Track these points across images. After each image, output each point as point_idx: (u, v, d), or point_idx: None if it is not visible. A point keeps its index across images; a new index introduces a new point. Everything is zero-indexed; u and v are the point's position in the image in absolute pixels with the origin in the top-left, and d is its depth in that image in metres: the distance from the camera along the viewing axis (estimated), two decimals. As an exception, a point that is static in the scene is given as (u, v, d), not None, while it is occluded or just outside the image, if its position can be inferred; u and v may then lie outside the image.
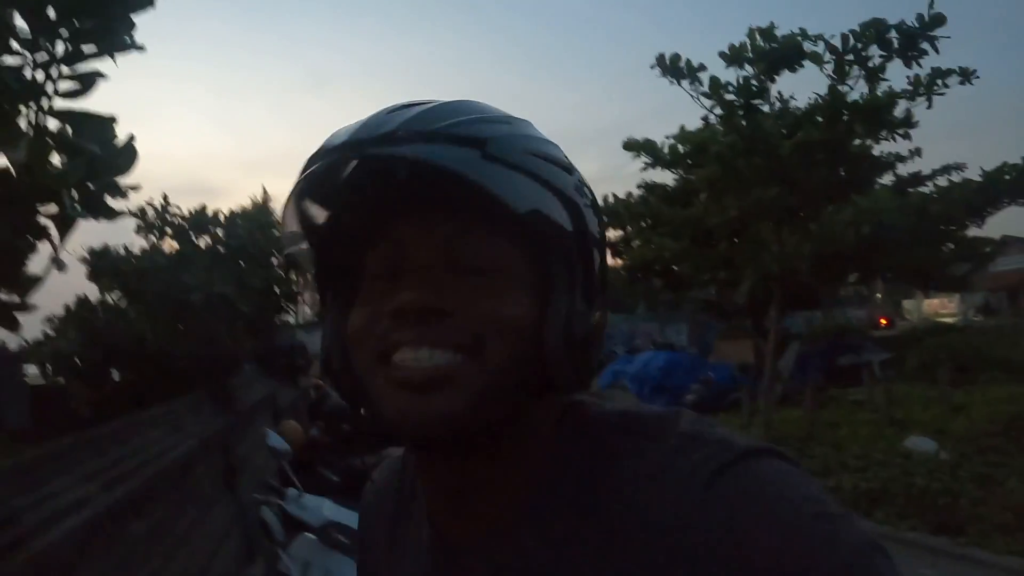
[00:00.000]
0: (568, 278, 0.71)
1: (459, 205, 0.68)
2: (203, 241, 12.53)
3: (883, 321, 38.43)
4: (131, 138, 3.09)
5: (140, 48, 2.94)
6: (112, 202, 3.12)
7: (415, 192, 0.68)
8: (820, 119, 9.51)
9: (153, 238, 11.65)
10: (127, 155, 3.07)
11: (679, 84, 9.44)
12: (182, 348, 7.98)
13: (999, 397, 10.56)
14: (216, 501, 5.35)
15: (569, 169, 0.73)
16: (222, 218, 13.22)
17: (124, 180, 3.12)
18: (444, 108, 0.68)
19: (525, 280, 0.71)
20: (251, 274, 14.35)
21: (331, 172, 0.68)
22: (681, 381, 16.00)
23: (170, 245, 11.57)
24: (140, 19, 2.90)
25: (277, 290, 15.69)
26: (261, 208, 19.71)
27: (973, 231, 11.14)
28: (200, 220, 12.49)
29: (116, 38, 2.89)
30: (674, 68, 9.32)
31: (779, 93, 9.93)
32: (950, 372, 12.81)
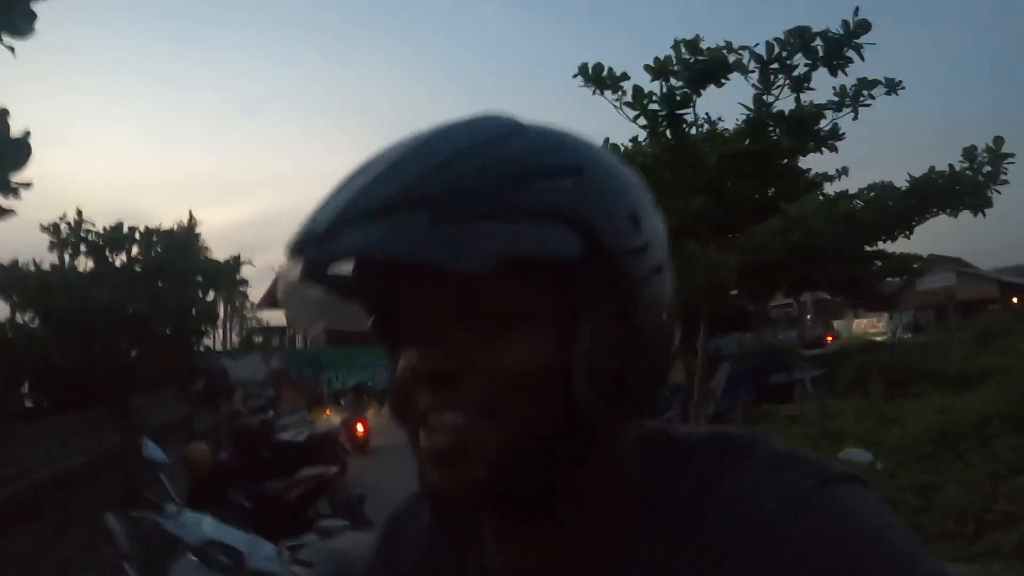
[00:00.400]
0: (591, 307, 0.65)
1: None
2: (119, 259, 12.14)
3: (829, 338, 39.27)
4: (26, 134, 2.86)
5: (32, 32, 2.75)
6: (2, 200, 2.93)
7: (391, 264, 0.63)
8: (745, 127, 9.44)
9: (66, 255, 11.23)
10: (20, 149, 2.83)
11: (602, 95, 9.28)
12: (87, 365, 7.65)
13: (930, 408, 10.55)
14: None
15: (573, 171, 0.65)
16: (139, 236, 12.79)
17: (16, 176, 2.91)
18: (389, 170, 0.62)
19: (544, 317, 0.66)
20: (168, 294, 14.02)
21: (303, 271, 0.67)
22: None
23: (84, 262, 11.15)
24: (72, 34, 2.67)
25: (195, 312, 15.39)
26: (185, 231, 19.38)
27: (901, 242, 11.17)
28: (116, 237, 12.03)
29: (10, 19, 2.67)
30: (597, 78, 9.15)
31: (707, 115, 9.86)
32: (881, 386, 12.94)
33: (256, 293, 52.80)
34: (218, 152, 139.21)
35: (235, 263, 17.74)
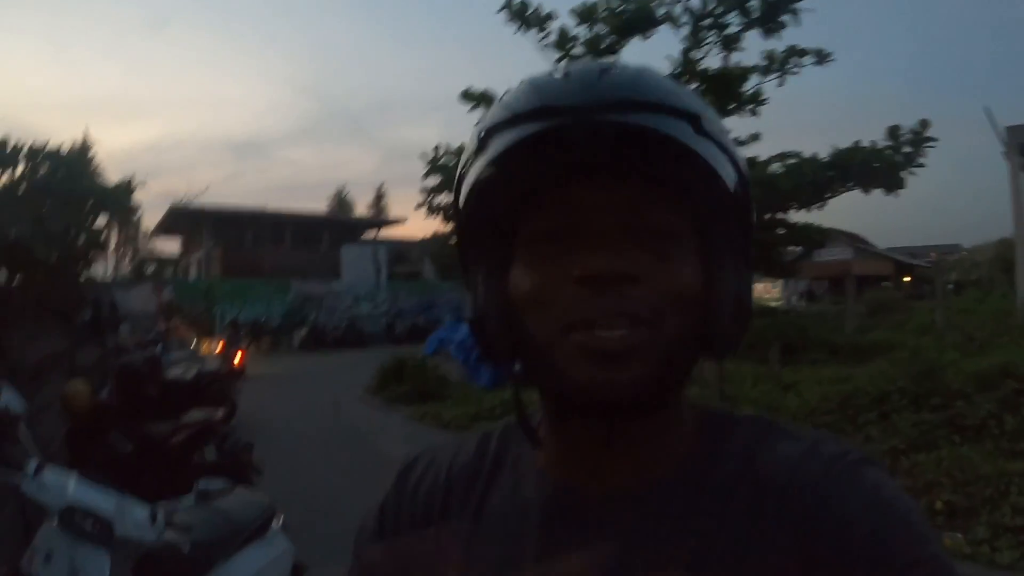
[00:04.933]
0: (732, 244, 0.76)
1: (637, 170, 0.71)
2: (1, 179, 11.33)
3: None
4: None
5: None
6: None
7: (614, 157, 0.70)
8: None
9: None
10: None
11: (525, 33, 8.96)
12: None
13: (827, 377, 10.72)
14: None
15: (735, 143, 0.77)
16: (24, 154, 12.01)
17: None
18: (653, 78, 0.73)
19: (693, 246, 0.74)
20: (53, 218, 13.23)
21: (550, 134, 0.68)
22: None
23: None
24: None
25: (82, 238, 14.60)
26: (78, 151, 18.33)
27: (815, 211, 11.29)
28: (-4, 153, 11.21)
29: None
30: (522, 15, 8.83)
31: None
32: (778, 352, 13.11)
33: (150, 220, 51.10)
34: (119, 71, 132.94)
35: (127, 187, 16.84)
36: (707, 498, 0.74)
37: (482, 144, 0.75)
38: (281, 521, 3.85)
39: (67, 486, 3.07)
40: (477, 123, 0.78)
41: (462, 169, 0.79)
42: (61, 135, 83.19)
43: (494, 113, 0.76)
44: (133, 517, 3.16)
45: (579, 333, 0.70)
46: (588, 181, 0.72)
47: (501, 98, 0.78)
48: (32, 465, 3.04)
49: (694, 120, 0.70)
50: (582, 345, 0.70)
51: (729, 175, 0.72)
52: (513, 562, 0.79)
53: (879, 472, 0.73)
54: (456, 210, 0.81)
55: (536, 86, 0.73)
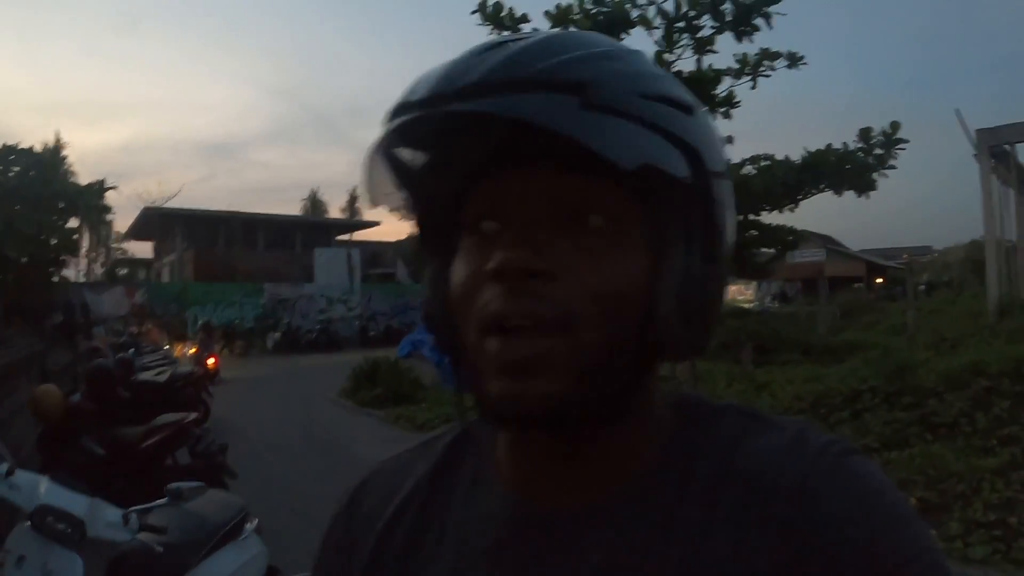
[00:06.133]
0: (686, 235, 0.68)
1: (564, 153, 0.63)
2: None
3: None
4: None
5: None
6: None
7: (510, 143, 0.66)
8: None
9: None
10: None
11: (499, 35, 8.96)
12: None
13: (800, 376, 10.79)
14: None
15: (689, 108, 0.67)
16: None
17: None
18: (538, 47, 0.63)
19: (637, 236, 0.67)
20: (25, 219, 13.09)
21: (414, 128, 0.64)
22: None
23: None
24: None
25: (54, 240, 14.45)
26: (50, 152, 18.13)
27: (787, 213, 11.32)
28: (-33, 154, 11.08)
29: None
30: (495, 17, 8.82)
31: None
32: (751, 352, 13.21)
33: (122, 223, 50.65)
34: (91, 72, 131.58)
35: (99, 188, 16.65)
36: (688, 504, 0.69)
37: (371, 152, 0.71)
38: (255, 523, 3.83)
39: (39, 487, 3.04)
40: None
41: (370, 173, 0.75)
42: (31, 136, 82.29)
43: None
44: (106, 518, 3.13)
45: (493, 339, 0.65)
46: (507, 167, 0.68)
47: None
48: (3, 467, 3.01)
49: (577, 90, 0.60)
50: (492, 356, 0.65)
51: (645, 151, 0.61)
52: None
53: (865, 463, 0.70)
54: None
55: (413, 80, 0.67)
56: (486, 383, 0.67)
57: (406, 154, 0.71)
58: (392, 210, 0.76)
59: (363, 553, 0.83)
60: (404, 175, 0.73)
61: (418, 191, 0.75)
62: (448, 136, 0.67)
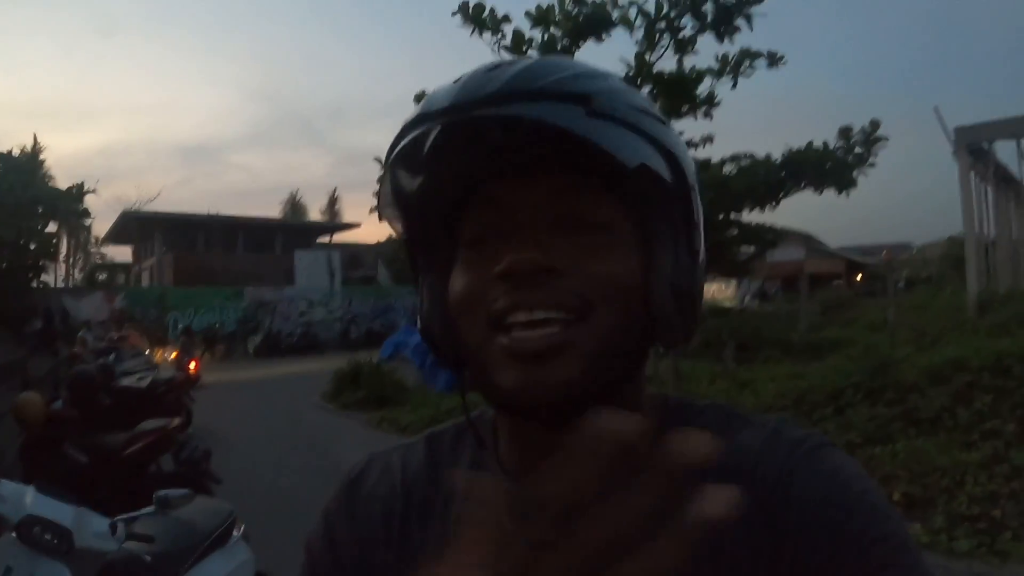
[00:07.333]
0: (672, 232, 0.74)
1: (562, 162, 0.70)
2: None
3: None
4: None
5: None
6: None
7: (518, 151, 0.70)
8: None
9: None
10: None
11: (480, 36, 8.94)
12: None
13: (781, 374, 10.85)
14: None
15: (664, 121, 0.75)
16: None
17: None
18: (543, 66, 0.69)
19: (628, 236, 0.73)
20: (3, 224, 12.95)
21: (439, 136, 0.68)
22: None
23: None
24: None
25: (33, 245, 14.31)
26: (28, 156, 17.95)
27: (768, 212, 11.39)
28: (-62, 159, 10.95)
29: None
30: (477, 18, 8.80)
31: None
32: (732, 351, 13.27)
33: (102, 227, 50.27)
34: (70, 75, 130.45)
35: (78, 192, 16.52)
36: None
37: (387, 164, 0.74)
38: (243, 530, 3.80)
39: (25, 498, 3.00)
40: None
41: (382, 186, 0.78)
42: (8, 140, 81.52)
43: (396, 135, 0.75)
44: (93, 528, 3.10)
45: (503, 335, 0.69)
46: (508, 177, 0.72)
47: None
48: (-13, 478, 2.98)
49: (583, 101, 0.67)
50: (506, 348, 0.69)
51: (641, 154, 0.67)
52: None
53: (839, 455, 0.74)
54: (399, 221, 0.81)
55: (426, 97, 0.72)
56: (499, 376, 0.70)
57: (410, 172, 0.74)
58: (393, 224, 0.80)
59: (363, 539, 0.86)
60: (404, 193, 0.76)
61: (416, 208, 0.78)
62: (462, 147, 0.69)
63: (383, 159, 0.75)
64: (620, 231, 0.72)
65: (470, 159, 0.71)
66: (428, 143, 0.68)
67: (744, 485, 0.65)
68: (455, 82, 0.70)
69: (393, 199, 0.77)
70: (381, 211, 0.80)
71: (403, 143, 0.70)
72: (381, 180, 0.77)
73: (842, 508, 0.68)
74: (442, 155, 0.70)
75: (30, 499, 3.00)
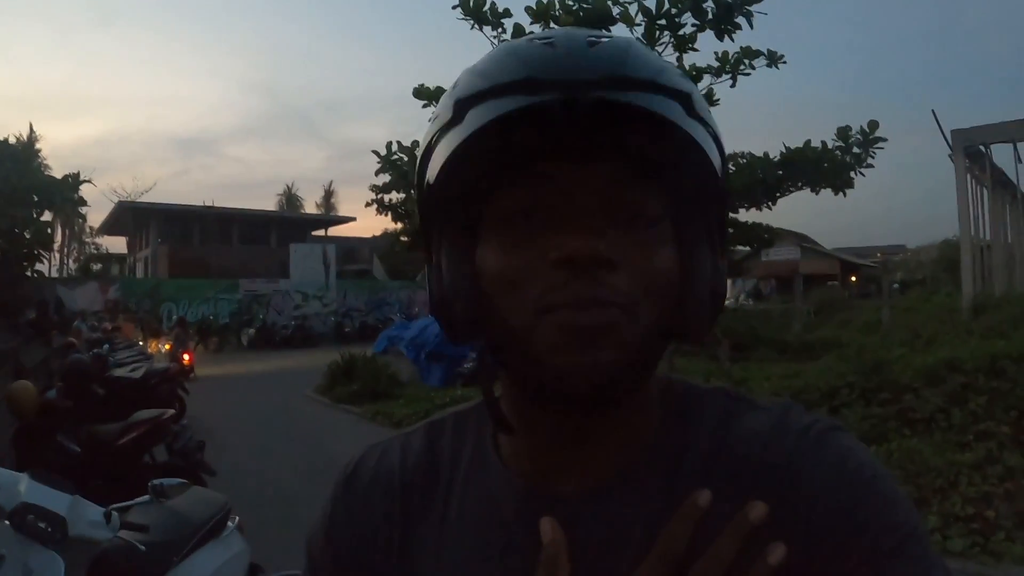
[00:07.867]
0: (708, 233, 0.74)
1: (619, 152, 0.68)
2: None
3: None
4: None
5: None
6: None
7: (599, 135, 0.67)
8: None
9: None
10: None
11: (480, 30, 8.90)
12: None
13: (776, 373, 10.86)
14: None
15: (712, 122, 0.74)
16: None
17: None
18: (646, 54, 0.70)
19: (670, 232, 0.72)
20: (0, 213, 12.91)
21: (553, 110, 0.64)
22: (458, 349, 15.69)
23: None
24: None
25: (28, 234, 14.26)
26: (23, 145, 17.88)
27: (764, 211, 11.40)
28: (-68, 147, 10.90)
29: None
30: (477, 12, 8.77)
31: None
32: (728, 349, 13.30)
33: (96, 217, 50.10)
34: (67, 65, 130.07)
35: (74, 181, 16.45)
36: (684, 479, 0.73)
37: (457, 115, 0.69)
38: (237, 521, 3.79)
39: (19, 485, 2.98)
40: (450, 90, 0.73)
41: (431, 141, 0.73)
42: (4, 129, 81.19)
43: (470, 82, 0.70)
44: (87, 517, 3.08)
45: (555, 315, 0.67)
46: (567, 158, 0.68)
47: (475, 67, 0.73)
48: (-21, 465, 2.95)
49: (686, 100, 0.67)
50: (560, 325, 0.66)
51: (717, 159, 0.70)
52: (487, 568, 0.77)
53: (848, 439, 0.74)
54: (421, 186, 0.75)
55: (519, 55, 0.68)
56: (550, 359, 0.68)
57: (472, 139, 0.67)
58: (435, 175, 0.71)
59: (362, 535, 0.85)
60: (474, 144, 0.68)
61: (455, 174, 0.71)
62: (555, 120, 0.65)
63: (448, 115, 0.70)
64: (665, 227, 0.71)
65: (522, 138, 0.67)
66: (532, 113, 0.64)
67: (752, 471, 0.72)
68: (546, 43, 0.68)
69: (456, 158, 0.68)
70: (434, 170, 0.71)
71: (504, 108, 0.65)
72: (435, 136, 0.72)
73: (851, 495, 0.68)
74: (539, 127, 0.66)
75: (24, 487, 2.98)
